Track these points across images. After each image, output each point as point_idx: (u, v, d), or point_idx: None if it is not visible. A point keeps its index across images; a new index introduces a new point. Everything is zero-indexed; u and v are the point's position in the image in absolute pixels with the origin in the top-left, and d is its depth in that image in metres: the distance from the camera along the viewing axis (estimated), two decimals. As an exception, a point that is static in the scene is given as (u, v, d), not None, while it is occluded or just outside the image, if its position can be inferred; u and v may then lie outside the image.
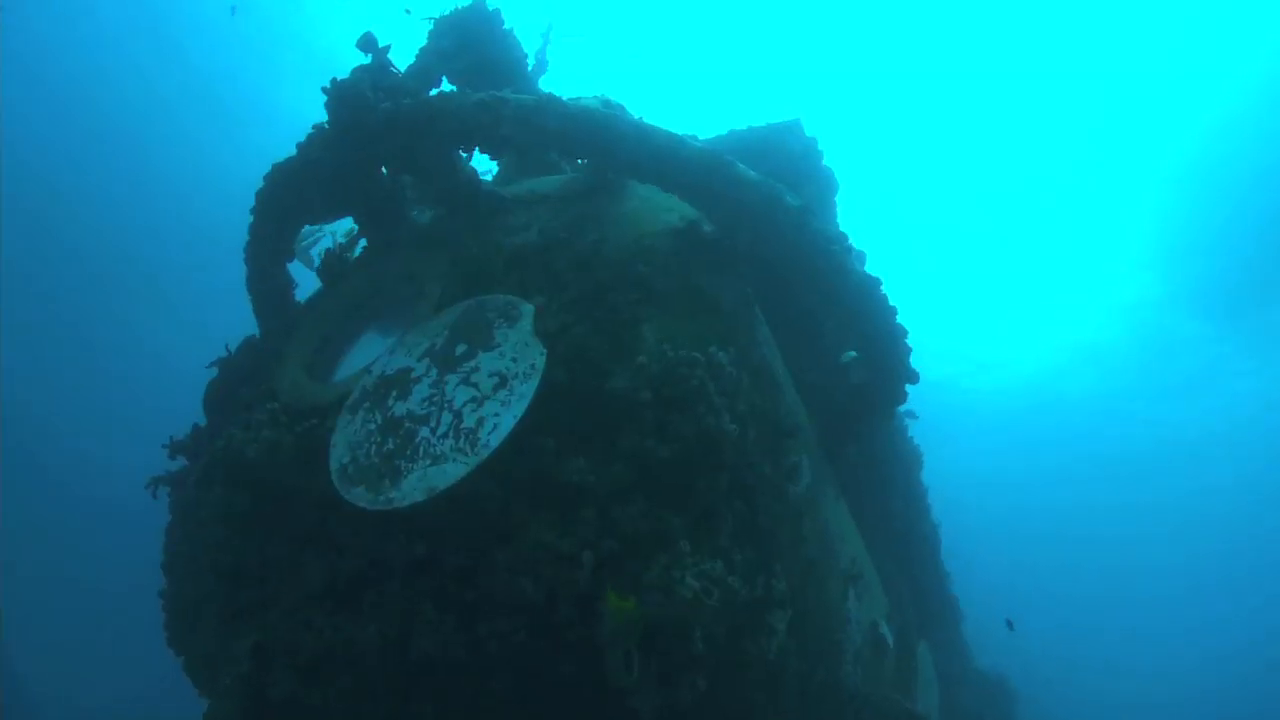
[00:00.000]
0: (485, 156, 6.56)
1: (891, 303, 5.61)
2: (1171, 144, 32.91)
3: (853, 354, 6.21)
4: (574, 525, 4.34)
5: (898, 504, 8.11)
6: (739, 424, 4.66)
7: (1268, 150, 28.74)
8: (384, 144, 5.54)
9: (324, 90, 5.52)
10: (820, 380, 6.32)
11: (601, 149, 5.14)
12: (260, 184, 6.08)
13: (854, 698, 6.25)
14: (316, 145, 5.69)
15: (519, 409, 4.23)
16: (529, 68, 7.12)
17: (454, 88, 6.75)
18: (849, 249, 5.40)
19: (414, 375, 4.80)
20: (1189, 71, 31.26)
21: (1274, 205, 28.89)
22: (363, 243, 7.13)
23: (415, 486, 4.18)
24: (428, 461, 4.26)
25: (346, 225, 7.14)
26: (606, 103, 5.53)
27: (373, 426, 4.66)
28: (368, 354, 5.76)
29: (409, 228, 6.11)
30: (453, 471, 4.13)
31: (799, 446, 5.49)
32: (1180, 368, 36.23)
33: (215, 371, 6.39)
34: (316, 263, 6.39)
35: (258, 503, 4.89)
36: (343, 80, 5.50)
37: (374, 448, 4.53)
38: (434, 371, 4.73)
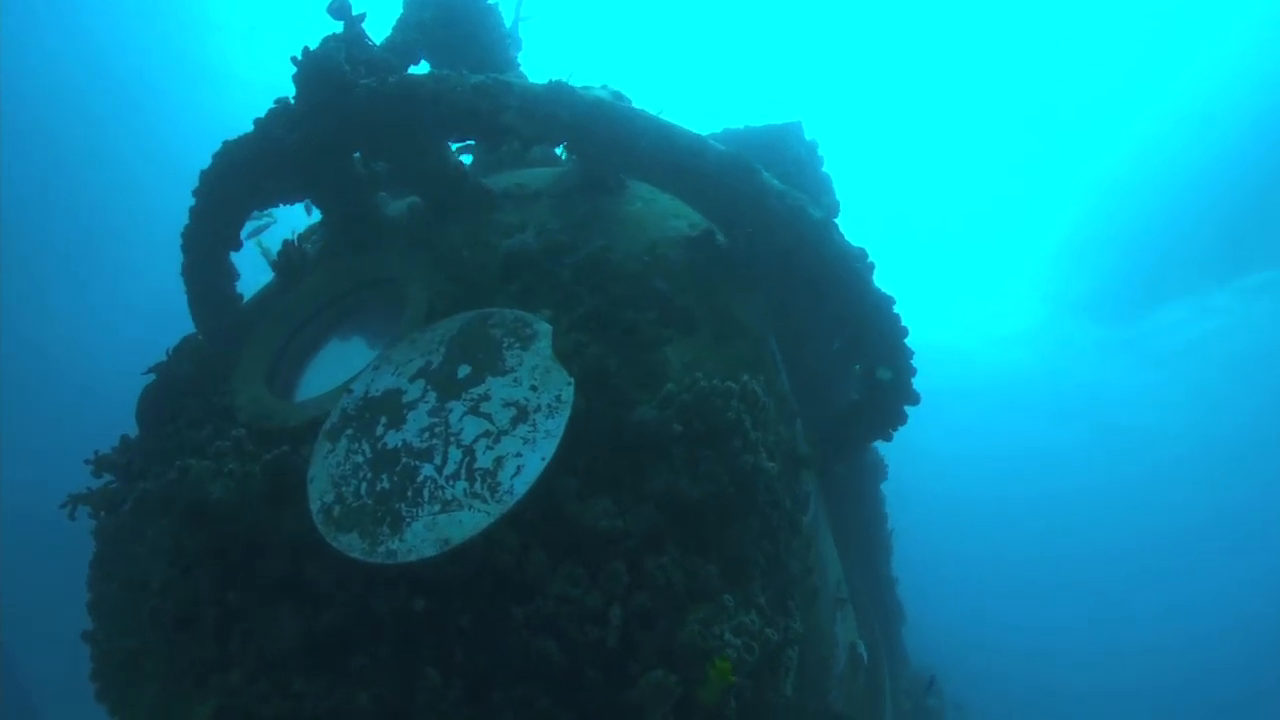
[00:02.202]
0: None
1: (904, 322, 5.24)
2: (1078, 171, 34.64)
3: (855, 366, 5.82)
4: (601, 577, 3.76)
5: (866, 517, 7.84)
6: (771, 459, 4.17)
7: (1161, 184, 30.74)
8: (362, 126, 4.73)
9: (293, 61, 4.66)
10: (819, 397, 5.91)
11: (618, 147, 4.51)
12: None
13: (838, 722, 5.94)
14: (279, 123, 4.82)
15: (547, 449, 3.59)
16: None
17: (428, 65, 5.95)
18: (871, 266, 4.96)
19: (407, 399, 4.08)
20: (1092, 114, 32.99)
21: (1161, 231, 30.99)
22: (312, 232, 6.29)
23: (424, 538, 3.49)
24: (436, 507, 3.58)
25: (296, 211, 6.26)
26: (617, 95, 4.89)
27: (360, 459, 3.93)
28: (337, 366, 4.97)
29: (383, 221, 5.31)
30: (470, 521, 3.47)
31: (810, 475, 5.06)
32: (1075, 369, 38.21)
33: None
34: (274, 254, 5.51)
35: (217, 543, 4.08)
36: (315, 51, 4.66)
37: (364, 485, 3.81)
38: (432, 396, 4.03)
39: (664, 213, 5.15)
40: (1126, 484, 43.01)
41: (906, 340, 5.30)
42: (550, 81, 4.56)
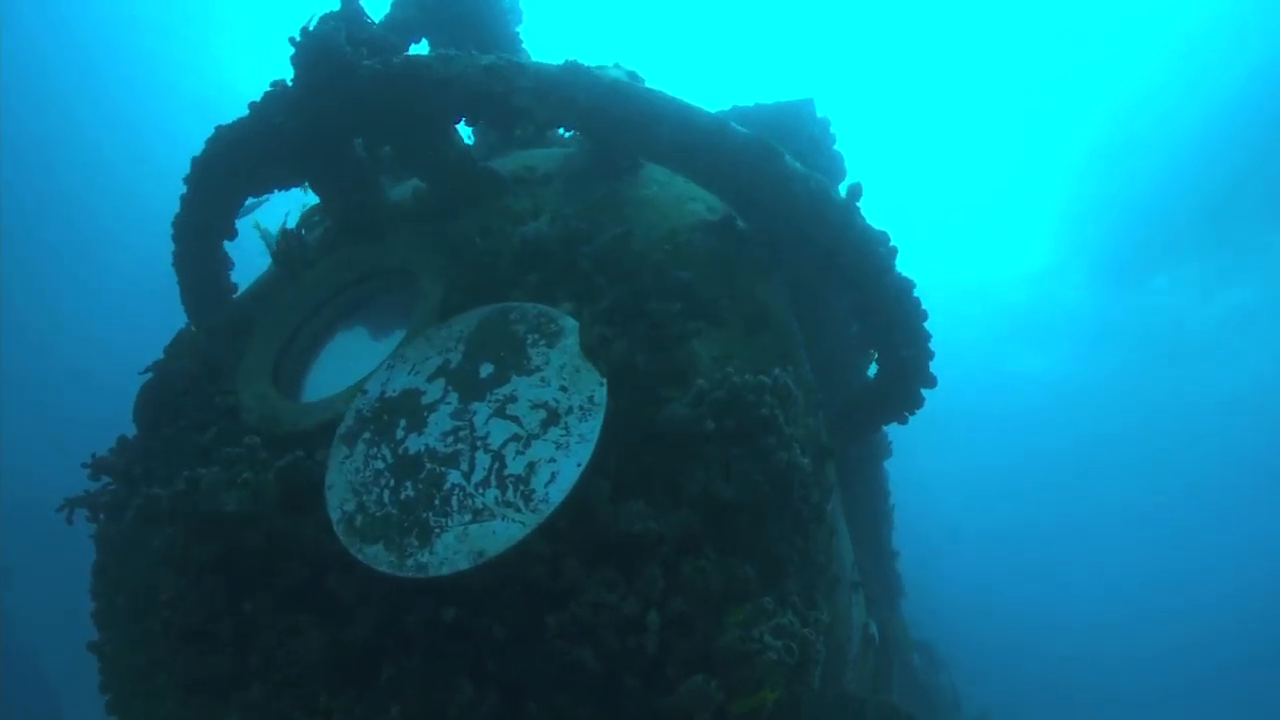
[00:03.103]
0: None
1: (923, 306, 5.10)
2: (1074, 136, 33.97)
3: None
4: (637, 583, 3.61)
5: (872, 495, 7.77)
6: (804, 454, 4.03)
7: (1153, 151, 30.25)
8: (366, 110, 4.46)
9: (291, 42, 4.37)
10: (832, 381, 5.77)
11: (638, 131, 4.28)
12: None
13: (852, 703, 5.91)
14: (277, 108, 4.53)
15: (582, 454, 3.41)
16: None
17: (427, 43, 5.65)
18: (893, 250, 4.79)
19: (427, 400, 3.87)
20: (1089, 69, 32.30)
21: (1159, 194, 30.54)
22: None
23: (456, 549, 3.32)
24: (467, 517, 3.40)
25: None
26: (633, 75, 4.64)
27: (381, 464, 3.73)
28: (345, 363, 4.75)
29: (387, 208, 5.05)
30: (505, 533, 3.30)
31: (831, 464, 4.93)
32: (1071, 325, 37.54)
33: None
34: (273, 237, 5.24)
35: (229, 552, 3.88)
36: (313, 31, 4.36)
37: (386, 493, 3.62)
38: (454, 397, 3.82)
39: (680, 196, 4.94)
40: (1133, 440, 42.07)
41: (925, 324, 5.19)
42: (566, 62, 4.31)
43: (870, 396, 5.56)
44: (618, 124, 4.28)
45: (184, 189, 5.05)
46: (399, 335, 4.72)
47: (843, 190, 6.01)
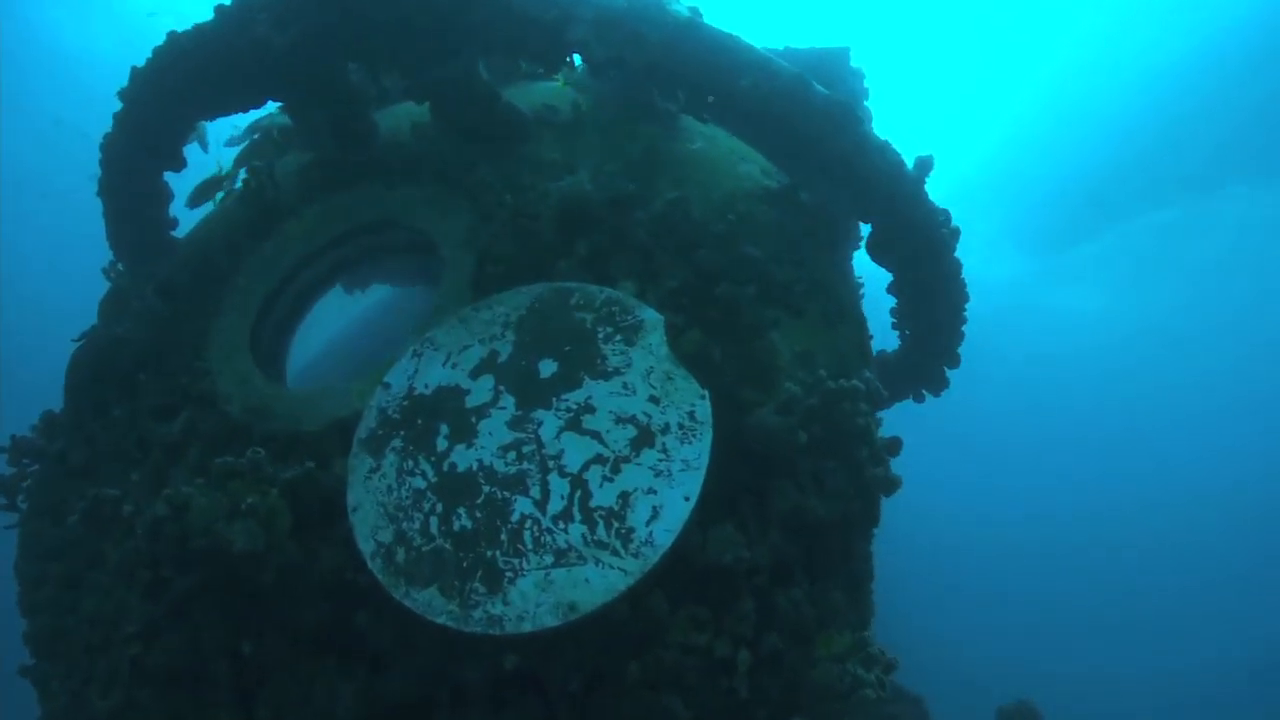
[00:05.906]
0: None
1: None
2: (1004, 98, 32.50)
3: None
4: (728, 620, 3.06)
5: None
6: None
7: (1085, 114, 29.46)
8: (375, 29, 3.47)
9: (283, -68, 3.28)
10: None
11: (717, 79, 3.51)
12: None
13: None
14: (254, 17, 3.45)
15: (689, 485, 2.76)
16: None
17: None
18: (956, 230, 4.27)
19: (472, 403, 3.10)
20: (1025, 30, 30.83)
21: (1091, 159, 29.86)
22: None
23: (538, 601, 2.64)
24: (548, 559, 2.71)
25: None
26: (694, 11, 3.80)
27: (421, 483, 2.97)
28: (339, 338, 3.86)
29: (383, 145, 4.06)
30: (601, 583, 2.64)
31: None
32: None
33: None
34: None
35: (216, 583, 3.05)
36: (311, -80, 3.29)
37: (434, 520, 2.87)
38: (509, 401, 3.07)
39: (730, 154, 4.21)
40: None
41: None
42: (629, -9, 3.43)
43: (893, 373, 5.15)
44: (692, 70, 3.49)
45: (119, 106, 3.91)
46: (400, 306, 3.87)
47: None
